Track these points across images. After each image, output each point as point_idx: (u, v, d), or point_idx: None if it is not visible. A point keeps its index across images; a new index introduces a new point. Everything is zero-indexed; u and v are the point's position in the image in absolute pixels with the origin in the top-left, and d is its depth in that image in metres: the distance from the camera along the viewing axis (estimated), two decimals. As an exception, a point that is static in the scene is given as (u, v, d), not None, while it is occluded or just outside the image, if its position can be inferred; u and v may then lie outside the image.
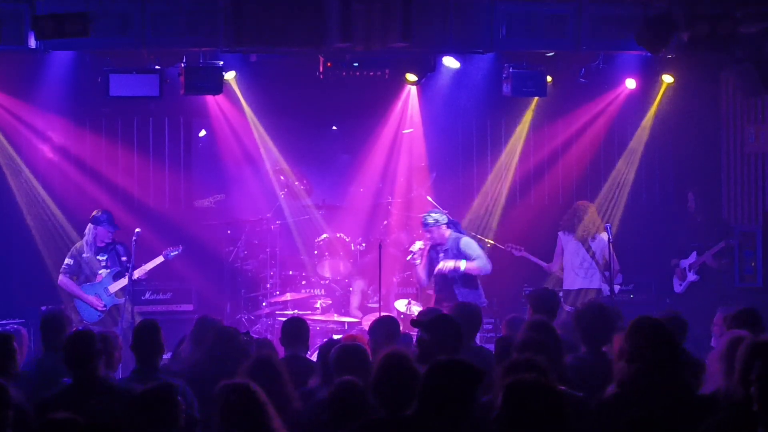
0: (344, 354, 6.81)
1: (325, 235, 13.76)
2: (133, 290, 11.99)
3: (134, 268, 11.84)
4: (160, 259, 12.30)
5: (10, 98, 13.30)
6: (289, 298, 13.13)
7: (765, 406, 4.86)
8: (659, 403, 5.52)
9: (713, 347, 7.85)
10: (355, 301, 13.52)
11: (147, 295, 13.45)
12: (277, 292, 13.44)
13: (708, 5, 10.84)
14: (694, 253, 13.60)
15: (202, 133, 14.67)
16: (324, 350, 7.44)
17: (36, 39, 10.87)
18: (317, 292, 13.61)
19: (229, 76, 13.05)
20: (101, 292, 12.02)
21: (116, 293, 12.03)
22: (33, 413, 6.34)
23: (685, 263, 13.68)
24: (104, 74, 12.10)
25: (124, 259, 12.04)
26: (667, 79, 13.70)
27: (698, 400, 5.85)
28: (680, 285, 13.65)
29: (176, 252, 12.42)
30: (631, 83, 13.82)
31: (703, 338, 9.71)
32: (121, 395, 6.48)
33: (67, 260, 12.11)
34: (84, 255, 12.08)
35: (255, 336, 9.74)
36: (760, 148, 13.82)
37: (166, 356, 8.10)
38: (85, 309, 11.94)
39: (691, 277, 13.57)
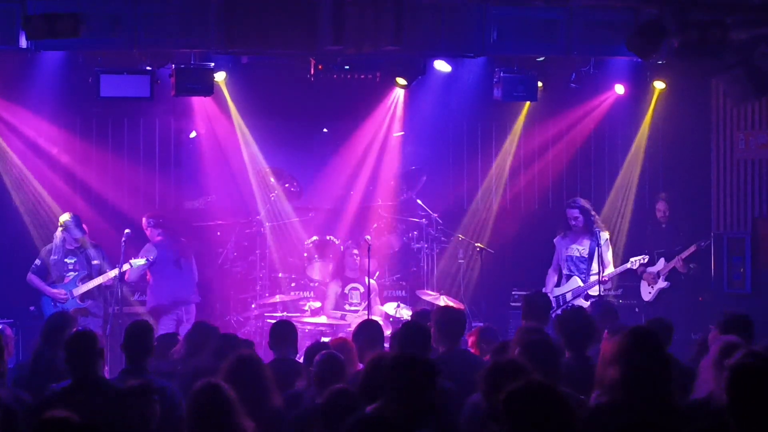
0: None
1: (314, 238, 13.76)
2: (121, 292, 11.99)
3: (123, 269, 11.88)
4: (116, 272, 11.97)
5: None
6: (278, 300, 13.13)
7: (739, 420, 4.80)
8: (649, 410, 5.52)
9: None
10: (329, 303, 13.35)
11: (136, 297, 13.42)
12: (267, 294, 13.42)
13: (699, 12, 10.85)
14: (662, 259, 13.43)
15: (193, 134, 14.64)
16: (311, 352, 7.45)
17: (27, 39, 10.81)
18: (306, 294, 13.58)
19: (219, 77, 13.04)
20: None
21: (80, 297, 12.05)
22: (22, 413, 6.33)
23: (652, 271, 13.48)
24: (95, 75, 12.06)
25: (95, 262, 12.08)
26: (659, 85, 13.72)
27: (689, 407, 5.85)
28: (649, 293, 13.48)
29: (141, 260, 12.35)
30: (619, 89, 13.84)
31: (677, 344, 9.64)
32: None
33: (36, 260, 12.24)
34: (52, 257, 12.12)
35: (242, 338, 9.73)
36: (750, 154, 13.85)
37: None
38: (48, 305, 11.98)
39: (661, 284, 13.37)
